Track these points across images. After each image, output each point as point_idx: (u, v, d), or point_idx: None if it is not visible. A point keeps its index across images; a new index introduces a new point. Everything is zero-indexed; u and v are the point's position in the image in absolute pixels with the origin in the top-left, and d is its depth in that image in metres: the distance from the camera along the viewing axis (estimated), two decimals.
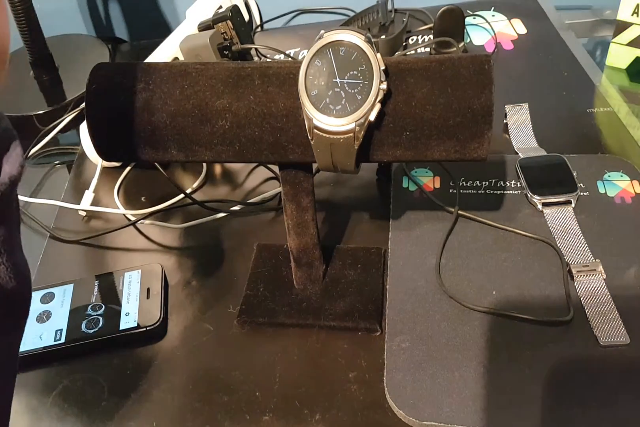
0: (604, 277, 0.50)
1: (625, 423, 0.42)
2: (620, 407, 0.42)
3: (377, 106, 0.40)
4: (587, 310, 0.48)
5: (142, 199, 0.66)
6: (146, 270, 0.56)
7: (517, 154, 0.62)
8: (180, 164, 0.69)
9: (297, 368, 0.48)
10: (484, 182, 0.59)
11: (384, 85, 0.40)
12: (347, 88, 0.41)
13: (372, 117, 0.40)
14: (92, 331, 0.52)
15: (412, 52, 0.77)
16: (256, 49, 0.76)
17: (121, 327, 0.51)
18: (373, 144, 0.43)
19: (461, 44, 0.73)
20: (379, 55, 0.40)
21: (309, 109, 0.41)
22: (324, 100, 0.41)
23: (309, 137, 0.42)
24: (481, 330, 0.47)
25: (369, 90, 0.40)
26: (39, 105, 0.80)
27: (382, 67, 0.40)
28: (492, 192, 0.58)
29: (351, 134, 0.41)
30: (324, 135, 0.41)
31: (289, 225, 0.50)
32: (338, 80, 0.41)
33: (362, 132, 0.41)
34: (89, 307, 0.54)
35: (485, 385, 0.44)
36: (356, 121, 0.40)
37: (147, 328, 0.51)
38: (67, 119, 0.73)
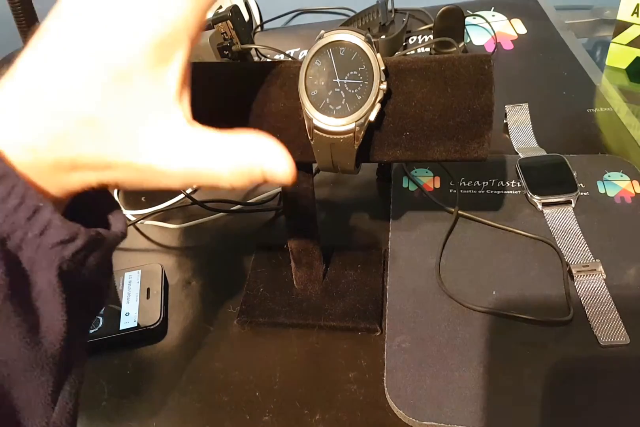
0: (604, 277, 0.50)
1: (625, 423, 0.42)
2: (621, 407, 0.42)
3: (377, 106, 0.40)
4: (587, 310, 0.48)
5: (142, 199, 0.66)
6: (146, 270, 0.56)
7: (517, 154, 0.62)
8: None
9: (297, 368, 0.48)
10: (484, 182, 0.59)
11: (384, 86, 0.40)
12: (347, 88, 0.41)
13: (372, 117, 0.40)
14: (92, 331, 0.51)
15: (412, 52, 0.77)
16: (256, 49, 0.76)
17: (121, 327, 0.51)
18: (373, 144, 0.43)
19: (461, 44, 0.73)
20: (379, 55, 0.40)
21: (309, 109, 0.41)
22: (324, 101, 0.41)
23: (309, 137, 0.42)
24: (481, 330, 0.47)
25: (369, 90, 0.40)
26: None
27: (382, 67, 0.40)
28: (492, 192, 0.58)
29: (351, 134, 0.41)
30: (324, 135, 0.41)
31: (289, 225, 0.50)
32: (338, 80, 0.41)
33: (362, 132, 0.41)
34: None
35: (485, 385, 0.44)
36: (356, 121, 0.40)
37: (147, 328, 0.51)
38: None
